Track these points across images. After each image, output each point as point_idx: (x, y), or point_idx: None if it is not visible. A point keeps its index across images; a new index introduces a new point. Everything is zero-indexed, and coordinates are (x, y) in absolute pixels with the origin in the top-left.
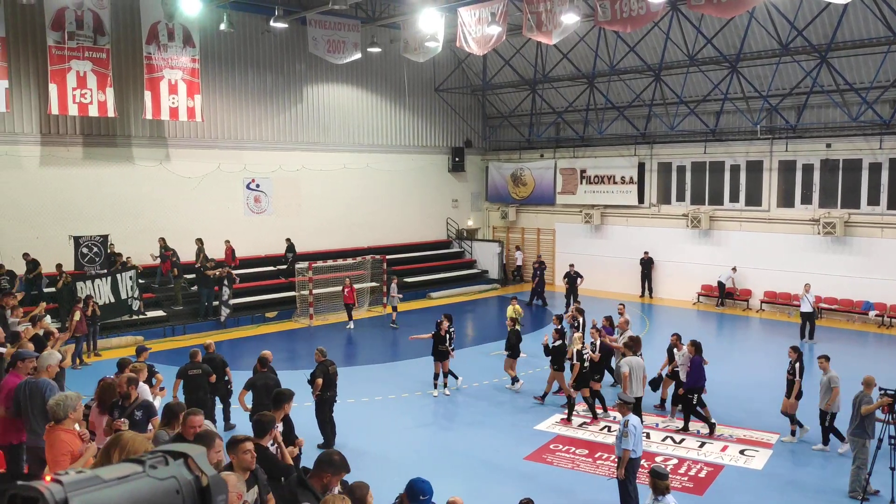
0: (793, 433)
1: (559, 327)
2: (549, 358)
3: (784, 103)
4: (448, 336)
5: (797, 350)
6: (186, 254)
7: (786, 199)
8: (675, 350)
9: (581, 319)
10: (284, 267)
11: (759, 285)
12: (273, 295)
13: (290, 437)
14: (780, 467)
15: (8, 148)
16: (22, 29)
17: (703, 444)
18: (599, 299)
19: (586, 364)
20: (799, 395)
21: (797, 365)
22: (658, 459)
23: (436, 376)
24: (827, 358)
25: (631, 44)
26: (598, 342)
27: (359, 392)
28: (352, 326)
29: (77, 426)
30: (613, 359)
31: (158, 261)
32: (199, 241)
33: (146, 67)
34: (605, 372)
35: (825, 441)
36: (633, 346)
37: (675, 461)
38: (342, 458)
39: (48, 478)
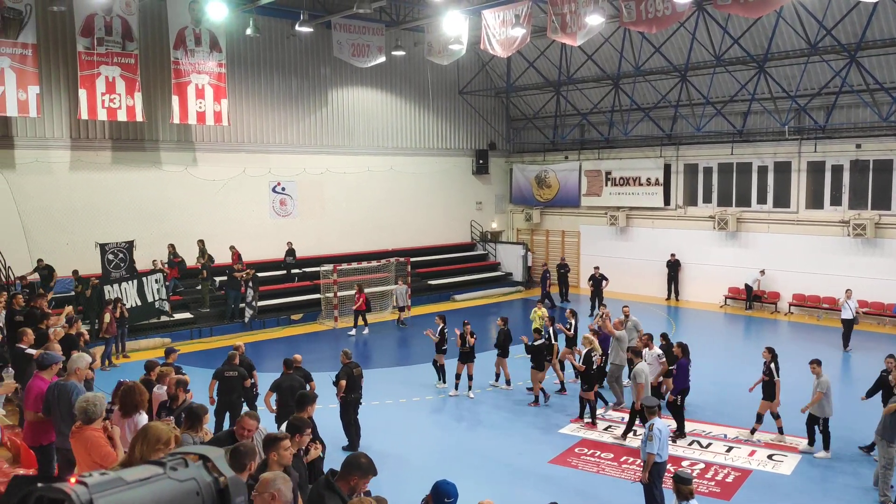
0: (780, 430)
1: (539, 327)
2: (530, 357)
3: (813, 103)
4: (442, 336)
5: (771, 351)
6: (219, 257)
7: (815, 201)
8: (646, 350)
9: (573, 322)
10: (284, 273)
11: (788, 288)
12: (298, 297)
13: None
14: (810, 473)
15: (39, 153)
16: (53, 36)
17: (730, 449)
18: (625, 302)
19: (594, 367)
20: (771, 396)
21: (772, 365)
22: (685, 464)
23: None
24: (819, 363)
25: (656, 44)
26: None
27: (382, 394)
28: (353, 333)
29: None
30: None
31: (166, 266)
32: (201, 243)
33: (173, 72)
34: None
35: (811, 441)
36: (640, 352)
37: (701, 465)
38: (369, 460)
39: (73, 479)
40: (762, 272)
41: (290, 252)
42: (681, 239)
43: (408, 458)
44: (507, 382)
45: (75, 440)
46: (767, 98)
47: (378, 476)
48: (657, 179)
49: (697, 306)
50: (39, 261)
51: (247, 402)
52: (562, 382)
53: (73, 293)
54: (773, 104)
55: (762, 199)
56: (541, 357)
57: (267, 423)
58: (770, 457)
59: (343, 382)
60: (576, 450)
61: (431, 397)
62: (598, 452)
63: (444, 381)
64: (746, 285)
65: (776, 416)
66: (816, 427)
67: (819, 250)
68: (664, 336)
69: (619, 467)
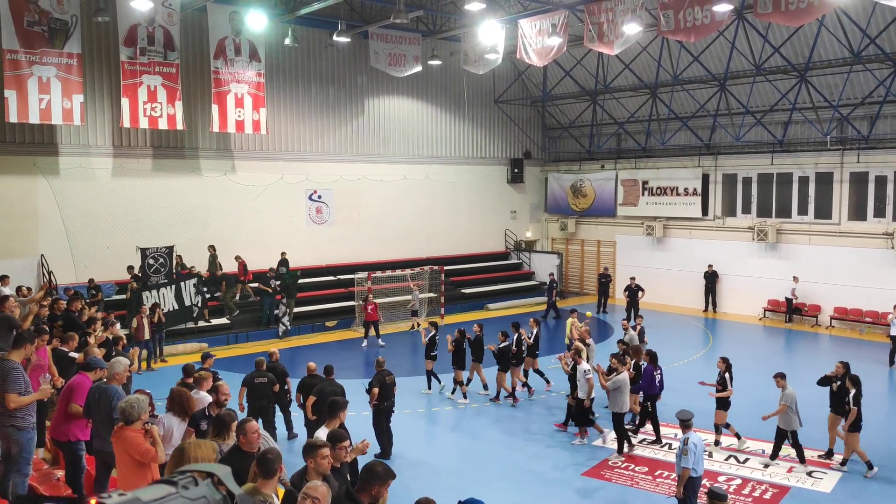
0: (716, 443)
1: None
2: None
3: (855, 113)
4: (431, 342)
5: (726, 361)
6: (254, 263)
7: (857, 212)
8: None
9: (535, 330)
10: (277, 283)
11: (829, 301)
12: (333, 304)
13: None
14: (850, 490)
15: (82, 160)
16: (97, 46)
17: (767, 465)
18: (661, 313)
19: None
20: (726, 406)
21: (726, 375)
22: (720, 479)
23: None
24: (783, 376)
25: (695, 53)
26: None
27: (415, 403)
28: (365, 344)
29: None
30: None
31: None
32: (212, 248)
33: (213, 82)
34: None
35: (773, 455)
36: (624, 361)
37: (738, 481)
38: (385, 467)
39: (93, 501)
40: (795, 279)
41: (284, 262)
42: (719, 250)
43: (440, 466)
44: (485, 387)
45: (116, 440)
46: (809, 107)
47: (408, 485)
48: (695, 189)
49: (735, 318)
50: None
51: (280, 407)
52: (525, 384)
53: (116, 297)
54: (814, 114)
55: (803, 211)
56: (506, 360)
57: (298, 427)
58: (810, 474)
59: (376, 390)
60: (609, 462)
61: (463, 405)
62: (632, 465)
63: (430, 389)
64: (787, 298)
65: (726, 426)
66: (787, 441)
67: (861, 263)
68: (621, 342)
69: (653, 481)
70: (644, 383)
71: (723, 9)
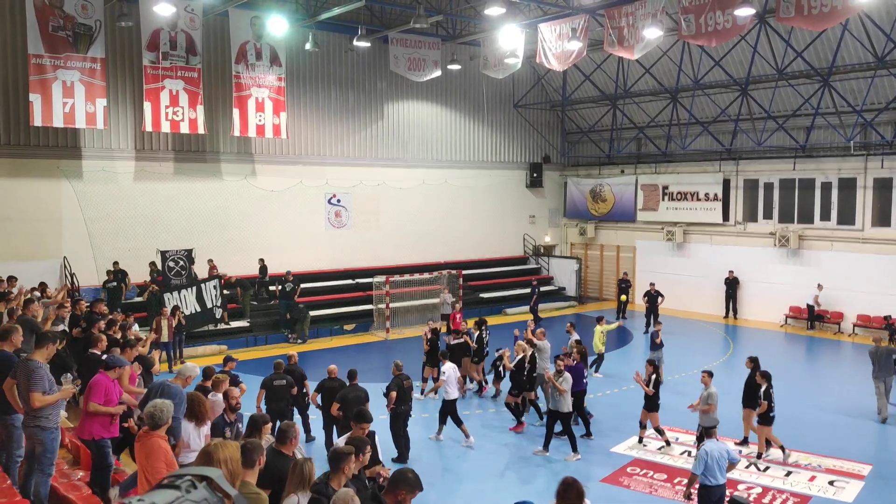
0: (667, 442)
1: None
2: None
3: (880, 118)
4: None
5: (652, 363)
6: (274, 266)
7: (881, 219)
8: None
9: (477, 333)
10: (256, 289)
11: (852, 308)
12: (351, 308)
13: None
14: (873, 500)
15: (105, 163)
16: (120, 50)
17: (789, 473)
18: (681, 319)
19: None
20: (655, 407)
21: (654, 377)
22: (741, 487)
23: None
24: (710, 374)
25: (716, 57)
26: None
27: (433, 407)
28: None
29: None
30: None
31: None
32: (211, 261)
33: (235, 86)
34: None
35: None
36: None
37: (758, 490)
38: (416, 476)
39: None
40: (819, 286)
41: (263, 269)
42: (740, 255)
43: (457, 471)
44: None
45: (140, 444)
46: (832, 112)
47: (426, 489)
48: (716, 195)
49: (756, 325)
50: (115, 263)
51: (298, 410)
52: (479, 383)
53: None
54: (837, 119)
55: (826, 216)
56: (459, 355)
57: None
58: (831, 483)
59: (394, 394)
60: (628, 469)
61: (481, 411)
62: (651, 473)
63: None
64: (808, 305)
65: (643, 426)
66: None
67: (885, 270)
68: (578, 342)
69: (672, 488)
70: (575, 380)
71: (745, 13)
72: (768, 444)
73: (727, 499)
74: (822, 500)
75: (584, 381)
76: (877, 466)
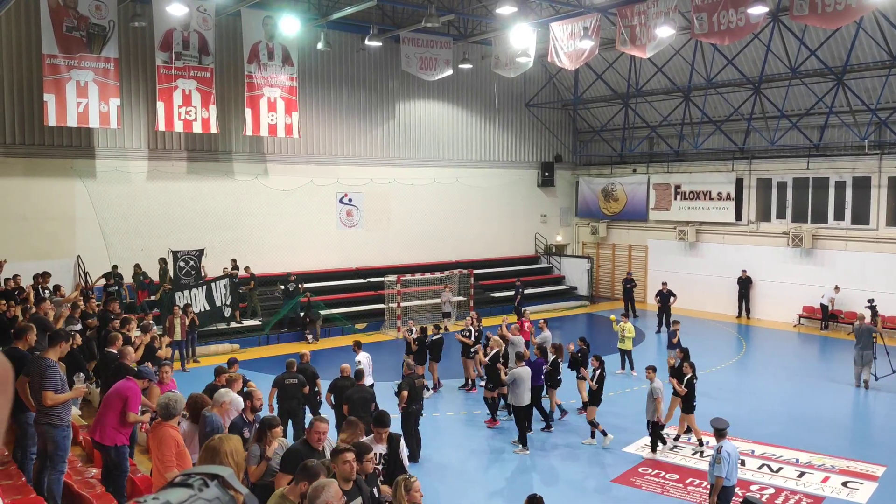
0: (592, 435)
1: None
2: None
3: (894, 117)
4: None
5: (598, 359)
6: (279, 266)
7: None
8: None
9: (436, 336)
10: (244, 289)
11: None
12: (363, 307)
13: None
14: (888, 501)
15: (118, 163)
16: (133, 50)
17: (801, 474)
18: (694, 319)
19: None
20: (597, 402)
21: (598, 372)
22: (753, 488)
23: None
24: (654, 369)
25: (729, 56)
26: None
27: (444, 406)
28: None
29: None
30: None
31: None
32: (162, 261)
33: (247, 86)
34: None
35: (653, 449)
36: (523, 356)
37: (771, 490)
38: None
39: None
40: (836, 289)
41: (236, 268)
42: (752, 255)
43: (467, 472)
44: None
45: (153, 434)
46: (846, 111)
47: (437, 488)
48: (728, 194)
49: (769, 325)
50: (115, 266)
51: (310, 409)
52: (470, 380)
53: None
54: (851, 117)
55: (839, 216)
56: (438, 351)
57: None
58: (845, 484)
59: (405, 393)
60: (640, 469)
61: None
62: (663, 473)
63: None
64: (822, 305)
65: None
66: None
67: None
68: (582, 339)
69: (684, 489)
70: (533, 375)
71: (758, 11)
72: (689, 430)
73: (737, 498)
74: (835, 501)
75: (542, 377)
76: (891, 468)
